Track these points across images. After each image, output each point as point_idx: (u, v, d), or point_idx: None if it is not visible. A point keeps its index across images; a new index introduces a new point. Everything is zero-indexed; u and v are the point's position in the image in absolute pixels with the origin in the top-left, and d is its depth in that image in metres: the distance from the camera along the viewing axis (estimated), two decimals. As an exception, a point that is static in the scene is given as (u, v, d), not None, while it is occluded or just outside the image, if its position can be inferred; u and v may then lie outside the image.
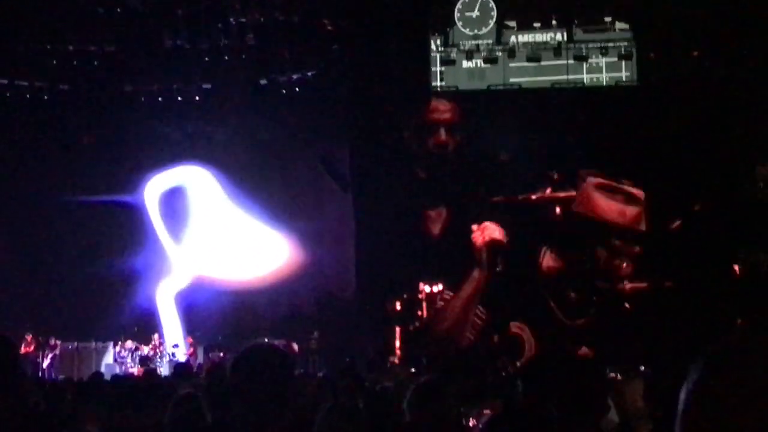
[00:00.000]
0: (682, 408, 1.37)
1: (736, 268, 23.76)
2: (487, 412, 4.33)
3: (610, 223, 23.74)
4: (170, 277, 28.42)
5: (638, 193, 23.76)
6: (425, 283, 24.99)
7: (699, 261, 23.50)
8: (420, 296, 25.27)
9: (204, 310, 27.23)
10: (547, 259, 24.21)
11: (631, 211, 23.78)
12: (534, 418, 2.73)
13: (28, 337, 24.94)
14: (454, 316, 23.94)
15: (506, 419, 2.78)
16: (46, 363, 24.74)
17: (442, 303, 24.14)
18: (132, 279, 27.91)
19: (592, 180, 23.84)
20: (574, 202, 23.91)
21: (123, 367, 24.54)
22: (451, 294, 24.11)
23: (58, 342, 25.73)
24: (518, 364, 23.05)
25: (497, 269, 23.93)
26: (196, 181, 28.84)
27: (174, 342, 26.35)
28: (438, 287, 24.66)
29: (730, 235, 23.83)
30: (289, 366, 3.83)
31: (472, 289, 23.87)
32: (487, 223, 24.25)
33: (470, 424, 4.28)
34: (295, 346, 24.58)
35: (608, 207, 23.78)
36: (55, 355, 25.28)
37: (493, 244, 23.94)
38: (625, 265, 23.71)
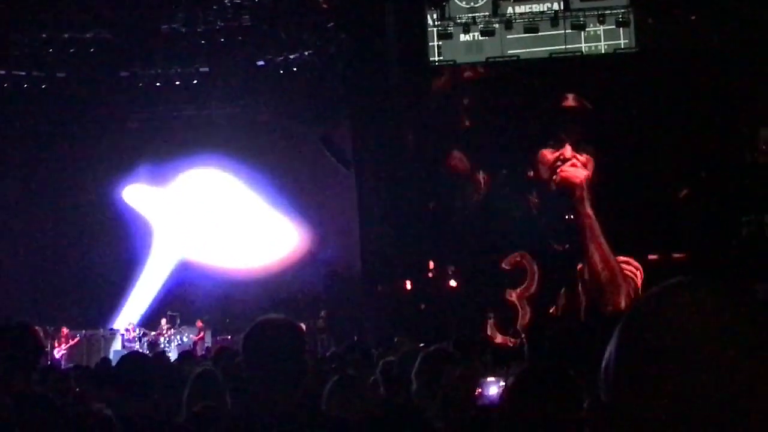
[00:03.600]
0: (603, 368, 1.34)
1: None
2: (491, 379, 4.29)
3: None
4: (166, 261, 28.53)
5: None
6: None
7: (706, 228, 23.50)
8: (429, 275, 25.32)
9: (209, 293, 27.28)
10: None
11: None
12: (555, 379, 2.69)
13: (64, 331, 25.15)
14: (607, 271, 23.94)
15: (527, 380, 2.74)
16: (60, 353, 24.72)
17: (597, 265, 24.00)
18: (133, 265, 28.09)
19: None
20: None
21: (131, 353, 24.60)
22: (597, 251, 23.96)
23: (77, 334, 25.79)
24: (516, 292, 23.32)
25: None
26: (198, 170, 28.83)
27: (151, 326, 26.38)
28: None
29: (735, 199, 23.83)
30: (300, 339, 3.82)
31: (596, 231, 23.93)
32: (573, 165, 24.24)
33: (475, 392, 4.24)
34: (303, 326, 24.56)
35: None
36: (71, 345, 25.30)
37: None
38: None
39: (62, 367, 21.91)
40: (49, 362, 23.91)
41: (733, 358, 1.21)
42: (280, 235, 28.41)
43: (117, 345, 25.86)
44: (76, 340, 25.50)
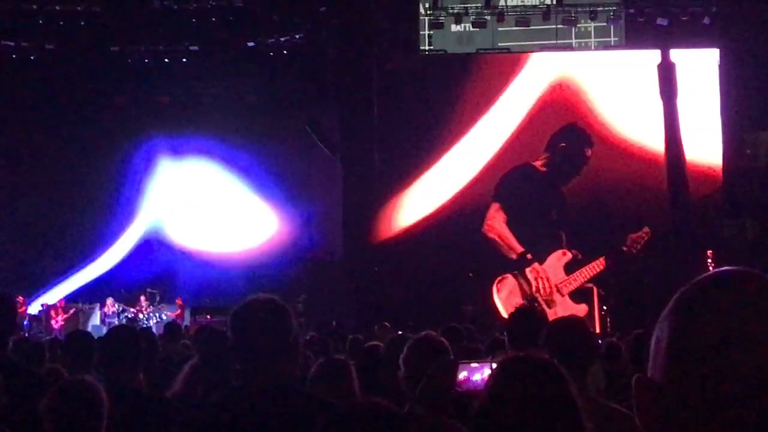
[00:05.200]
0: (653, 347, 1.38)
1: None
2: (475, 365, 4.33)
3: None
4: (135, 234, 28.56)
5: None
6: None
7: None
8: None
9: (189, 273, 27.27)
10: None
11: None
12: (540, 366, 2.73)
13: (20, 299, 24.99)
14: None
15: (512, 367, 2.77)
16: (57, 325, 24.81)
17: None
18: (111, 240, 28.12)
19: None
20: None
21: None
22: None
23: (72, 306, 25.89)
24: None
25: None
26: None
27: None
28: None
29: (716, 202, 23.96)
30: (289, 320, 3.78)
31: None
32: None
33: (460, 377, 4.28)
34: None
35: None
36: (66, 317, 25.30)
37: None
38: None
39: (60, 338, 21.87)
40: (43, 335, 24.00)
41: None
42: (261, 218, 28.39)
43: (96, 320, 25.85)
44: (71, 312, 25.60)
